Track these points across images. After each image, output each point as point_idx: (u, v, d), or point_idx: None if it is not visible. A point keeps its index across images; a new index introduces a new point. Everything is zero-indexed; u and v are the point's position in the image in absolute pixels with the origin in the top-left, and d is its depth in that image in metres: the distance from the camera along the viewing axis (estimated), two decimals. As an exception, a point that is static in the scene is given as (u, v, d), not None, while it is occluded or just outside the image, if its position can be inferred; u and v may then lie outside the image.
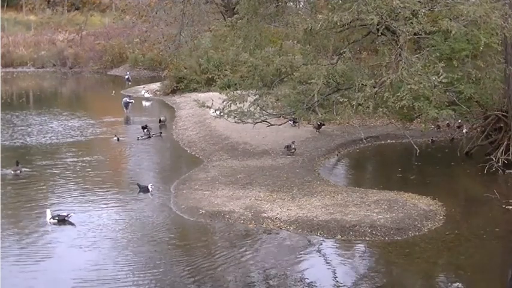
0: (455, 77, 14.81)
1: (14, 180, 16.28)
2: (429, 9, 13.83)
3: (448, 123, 20.68)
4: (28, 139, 22.06)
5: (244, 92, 17.38)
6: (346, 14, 13.34)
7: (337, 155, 18.89)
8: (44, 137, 22.38)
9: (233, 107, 17.12)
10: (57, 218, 12.68)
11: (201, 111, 22.71)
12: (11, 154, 19.05)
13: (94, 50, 49.43)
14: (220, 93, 18.09)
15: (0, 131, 22.84)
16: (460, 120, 19.73)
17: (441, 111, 14.38)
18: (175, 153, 20.24)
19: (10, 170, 16.98)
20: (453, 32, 13.43)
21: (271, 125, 17.85)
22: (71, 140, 21.97)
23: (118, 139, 21.46)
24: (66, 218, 12.68)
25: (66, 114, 27.80)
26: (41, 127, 24.44)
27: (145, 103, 31.86)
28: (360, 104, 13.81)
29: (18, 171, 16.95)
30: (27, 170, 17.23)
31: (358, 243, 11.49)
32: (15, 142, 21.57)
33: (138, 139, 21.53)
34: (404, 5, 12.93)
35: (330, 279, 10.14)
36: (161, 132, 22.33)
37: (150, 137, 21.79)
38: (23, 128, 24.23)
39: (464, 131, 19.81)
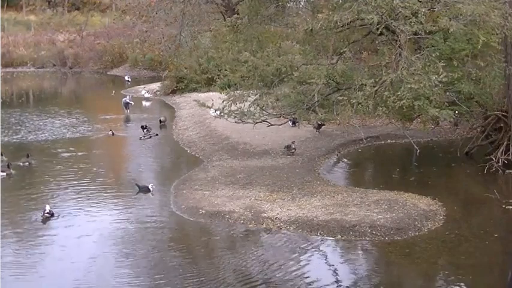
0: (455, 77, 14.80)
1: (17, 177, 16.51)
2: (429, 9, 13.83)
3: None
4: (27, 137, 22.20)
5: (244, 92, 17.38)
6: (346, 14, 13.34)
7: (337, 155, 18.87)
8: (46, 135, 22.55)
9: (233, 107, 17.12)
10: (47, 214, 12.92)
11: (201, 111, 22.75)
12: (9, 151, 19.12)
13: (94, 50, 49.40)
14: (221, 93, 18.11)
15: (0, 130, 22.87)
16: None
17: (441, 111, 14.36)
18: (175, 153, 20.23)
19: (20, 162, 17.37)
20: (451, 30, 13.43)
21: (271, 125, 17.84)
22: (70, 138, 22.03)
23: (113, 134, 22.07)
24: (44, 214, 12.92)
25: (65, 113, 27.76)
26: (40, 126, 24.45)
27: (145, 103, 31.84)
28: (359, 103, 13.80)
29: (27, 163, 17.37)
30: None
31: (358, 243, 11.49)
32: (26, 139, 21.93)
33: (140, 139, 21.60)
34: (405, 5, 12.93)
35: (330, 279, 10.14)
36: (157, 134, 22.32)
37: (151, 136, 21.84)
38: (23, 127, 24.25)
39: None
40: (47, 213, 12.86)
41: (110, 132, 22.22)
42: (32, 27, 57.21)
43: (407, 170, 17.31)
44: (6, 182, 15.98)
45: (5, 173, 16.26)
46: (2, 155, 17.82)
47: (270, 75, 17.15)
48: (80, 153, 19.52)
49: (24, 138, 22.12)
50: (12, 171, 16.56)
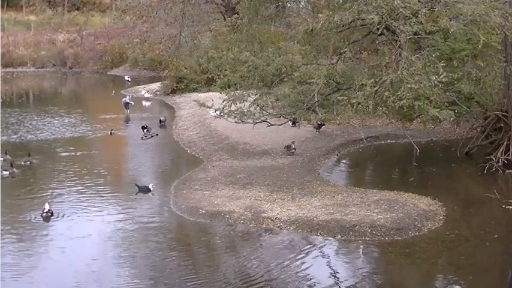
0: (455, 77, 14.81)
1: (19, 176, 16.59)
2: (429, 9, 13.83)
3: None
4: (26, 136, 22.29)
5: (244, 92, 17.38)
6: (347, 14, 13.34)
7: (337, 155, 18.87)
8: (46, 135, 22.59)
9: (233, 107, 17.12)
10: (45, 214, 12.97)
11: (201, 111, 22.74)
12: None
13: (94, 50, 49.40)
14: (221, 92, 18.11)
15: (1, 129, 22.89)
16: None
17: (441, 111, 14.37)
18: (175, 153, 20.23)
19: (21, 161, 17.52)
20: (451, 30, 13.43)
21: (271, 125, 17.84)
22: (70, 137, 22.09)
23: (111, 133, 22.20)
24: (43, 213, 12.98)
25: (65, 113, 27.75)
26: (40, 125, 24.45)
27: (145, 103, 31.86)
28: (359, 103, 13.80)
29: (29, 162, 17.57)
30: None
31: (358, 243, 11.48)
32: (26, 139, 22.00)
33: (142, 139, 21.64)
34: (405, 5, 12.93)
35: (330, 279, 10.14)
36: (157, 134, 22.35)
37: (152, 136, 21.87)
38: (22, 126, 24.27)
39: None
40: (47, 212, 12.90)
41: (109, 132, 22.35)
42: (32, 27, 57.21)
43: (407, 170, 17.31)
44: (9, 181, 16.10)
45: (7, 172, 16.40)
46: (6, 153, 18.02)
47: (270, 75, 17.14)
48: (80, 153, 19.53)
49: (23, 137, 22.18)
50: (15, 170, 16.66)
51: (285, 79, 17.56)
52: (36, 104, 33.48)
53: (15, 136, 22.29)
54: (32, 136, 22.35)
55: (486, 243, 11.39)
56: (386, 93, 13.54)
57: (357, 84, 14.25)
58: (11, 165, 16.74)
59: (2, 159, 17.68)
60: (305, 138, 19.79)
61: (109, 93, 35.55)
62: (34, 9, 60.22)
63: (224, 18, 29.12)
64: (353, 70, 16.51)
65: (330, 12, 13.92)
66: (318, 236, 11.76)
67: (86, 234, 12.14)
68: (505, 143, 16.48)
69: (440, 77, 13.27)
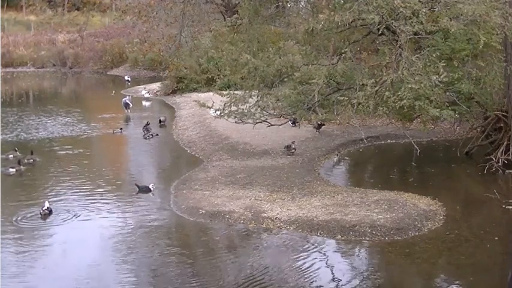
0: (455, 77, 14.81)
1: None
2: (430, 9, 13.85)
3: None
4: (25, 136, 22.29)
5: (245, 94, 17.37)
6: (347, 14, 13.35)
7: (337, 155, 18.86)
8: (46, 134, 22.65)
9: (233, 108, 17.12)
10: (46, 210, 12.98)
11: (201, 111, 22.76)
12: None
13: (94, 50, 49.41)
14: (222, 96, 18.13)
15: (1, 129, 22.89)
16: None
17: (442, 111, 14.37)
18: (175, 153, 20.23)
19: (25, 159, 17.62)
20: (452, 30, 13.44)
21: (271, 125, 17.85)
22: (70, 137, 22.07)
23: (114, 132, 22.47)
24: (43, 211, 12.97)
25: (64, 113, 27.73)
26: (39, 125, 24.47)
27: (145, 103, 31.87)
28: (360, 103, 13.80)
29: (32, 160, 17.67)
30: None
31: (358, 243, 11.48)
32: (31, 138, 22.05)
33: (145, 139, 21.62)
34: (405, 5, 12.94)
35: (330, 279, 10.13)
36: (157, 134, 22.35)
37: (152, 136, 21.87)
38: (21, 125, 24.28)
39: None
40: (46, 209, 12.91)
41: (112, 131, 22.45)
42: (32, 27, 57.24)
43: (407, 170, 17.30)
44: (14, 178, 16.20)
45: (14, 169, 16.51)
46: (16, 150, 18.17)
47: (271, 75, 17.15)
48: (79, 152, 19.51)
49: (21, 136, 22.16)
50: (22, 168, 16.78)
51: (286, 80, 17.57)
52: (36, 104, 33.48)
53: (10, 135, 22.26)
54: (31, 135, 22.33)
55: (486, 243, 11.38)
56: (386, 93, 13.55)
57: (358, 84, 14.26)
58: (19, 163, 16.80)
59: (12, 155, 17.80)
60: (305, 138, 19.79)
61: (109, 93, 35.55)
62: (34, 9, 60.26)
63: (224, 18, 29.16)
64: (353, 70, 16.52)
65: (331, 13, 13.92)
66: (318, 236, 11.76)
67: (85, 233, 12.13)
68: (505, 143, 16.47)
69: (441, 77, 13.28)
